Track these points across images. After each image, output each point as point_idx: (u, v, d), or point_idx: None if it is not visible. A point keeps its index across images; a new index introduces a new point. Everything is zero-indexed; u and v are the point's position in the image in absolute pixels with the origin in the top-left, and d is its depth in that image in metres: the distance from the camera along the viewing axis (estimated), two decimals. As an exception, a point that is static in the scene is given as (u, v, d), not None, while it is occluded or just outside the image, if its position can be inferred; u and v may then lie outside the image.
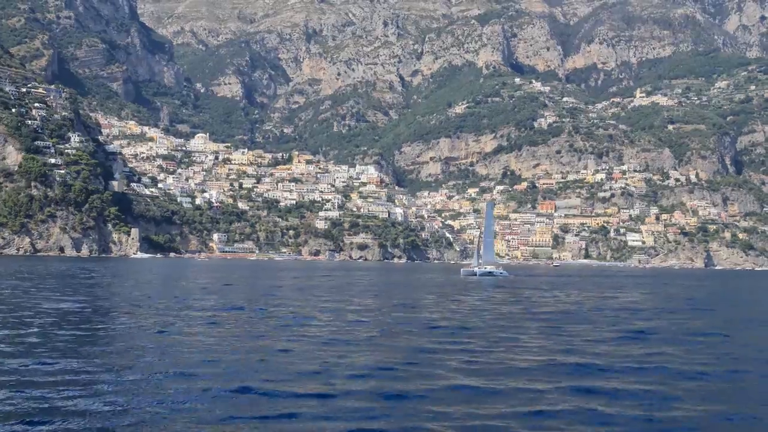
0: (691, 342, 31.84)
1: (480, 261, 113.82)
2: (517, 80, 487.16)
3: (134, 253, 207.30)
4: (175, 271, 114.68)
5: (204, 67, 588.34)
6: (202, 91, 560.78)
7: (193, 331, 31.29)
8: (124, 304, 44.94)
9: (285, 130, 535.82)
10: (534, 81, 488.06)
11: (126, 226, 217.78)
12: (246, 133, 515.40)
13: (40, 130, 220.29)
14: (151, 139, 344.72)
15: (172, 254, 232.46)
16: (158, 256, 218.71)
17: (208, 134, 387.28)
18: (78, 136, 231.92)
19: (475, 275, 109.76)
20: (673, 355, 27.61)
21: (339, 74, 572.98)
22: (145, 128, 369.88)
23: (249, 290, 65.23)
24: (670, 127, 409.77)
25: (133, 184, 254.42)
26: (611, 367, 24.28)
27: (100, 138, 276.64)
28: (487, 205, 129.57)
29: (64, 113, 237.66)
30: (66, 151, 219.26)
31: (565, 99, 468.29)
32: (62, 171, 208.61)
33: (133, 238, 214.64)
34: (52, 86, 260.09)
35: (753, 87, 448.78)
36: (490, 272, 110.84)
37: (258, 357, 24.70)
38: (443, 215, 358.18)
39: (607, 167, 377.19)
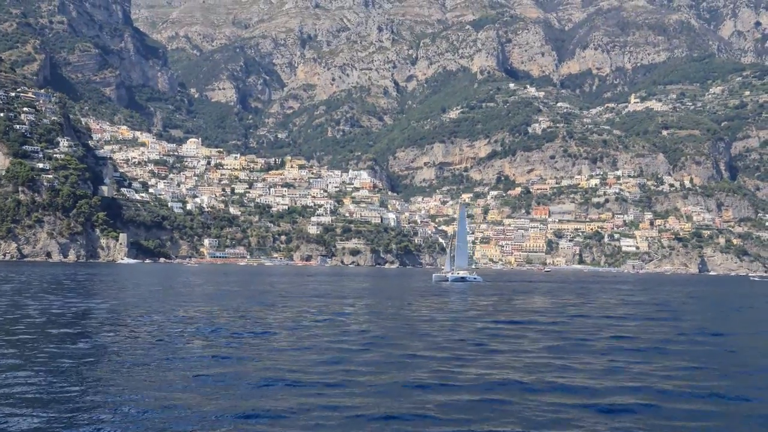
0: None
1: (453, 266, 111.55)
2: (512, 85, 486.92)
3: (121, 259, 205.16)
4: (143, 277, 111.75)
5: (198, 72, 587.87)
6: (196, 96, 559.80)
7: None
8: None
9: (279, 136, 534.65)
10: (528, 86, 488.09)
11: (114, 231, 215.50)
12: (240, 138, 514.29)
13: (28, 135, 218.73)
14: (143, 144, 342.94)
15: (162, 259, 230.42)
16: (147, 261, 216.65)
17: (200, 139, 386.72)
18: (67, 140, 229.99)
19: (447, 281, 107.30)
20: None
21: (333, 79, 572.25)
22: (137, 133, 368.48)
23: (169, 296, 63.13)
24: (665, 132, 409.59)
25: (124, 189, 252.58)
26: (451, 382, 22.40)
27: (91, 143, 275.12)
28: (460, 208, 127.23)
29: (53, 118, 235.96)
30: (54, 155, 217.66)
31: (559, 104, 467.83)
32: (50, 176, 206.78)
33: (121, 243, 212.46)
34: (42, 91, 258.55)
35: (747, 92, 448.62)
36: (462, 278, 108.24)
37: None
38: (437, 220, 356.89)
39: (602, 172, 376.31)
